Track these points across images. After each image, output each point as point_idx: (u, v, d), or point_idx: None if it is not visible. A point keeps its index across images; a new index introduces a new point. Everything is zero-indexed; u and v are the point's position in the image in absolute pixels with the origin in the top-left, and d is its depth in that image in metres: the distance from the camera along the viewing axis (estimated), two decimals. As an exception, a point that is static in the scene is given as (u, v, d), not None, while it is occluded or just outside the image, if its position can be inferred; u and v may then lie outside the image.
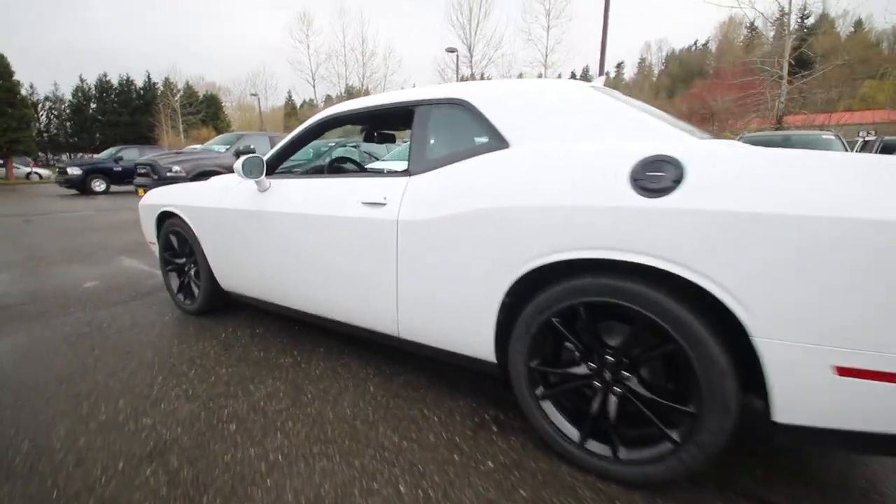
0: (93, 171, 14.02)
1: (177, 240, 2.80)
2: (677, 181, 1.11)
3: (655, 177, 1.14)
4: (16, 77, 21.51)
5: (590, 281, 1.24)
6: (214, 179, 2.64)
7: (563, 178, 1.27)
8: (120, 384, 1.96)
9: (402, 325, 1.72)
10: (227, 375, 2.02)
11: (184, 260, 2.83)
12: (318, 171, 2.47)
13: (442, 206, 1.50)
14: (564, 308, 1.30)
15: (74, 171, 13.91)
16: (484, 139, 1.54)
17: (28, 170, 22.14)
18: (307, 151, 9.37)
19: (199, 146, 11.08)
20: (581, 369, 1.35)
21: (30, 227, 7.02)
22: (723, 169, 1.09)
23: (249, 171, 2.05)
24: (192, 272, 2.80)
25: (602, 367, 1.31)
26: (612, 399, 1.30)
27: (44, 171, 23.50)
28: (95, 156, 16.22)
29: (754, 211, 1.01)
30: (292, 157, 2.32)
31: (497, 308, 1.42)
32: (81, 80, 47.07)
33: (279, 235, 2.07)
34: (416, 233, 1.56)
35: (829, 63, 20.79)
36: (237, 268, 2.39)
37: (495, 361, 1.52)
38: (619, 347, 1.29)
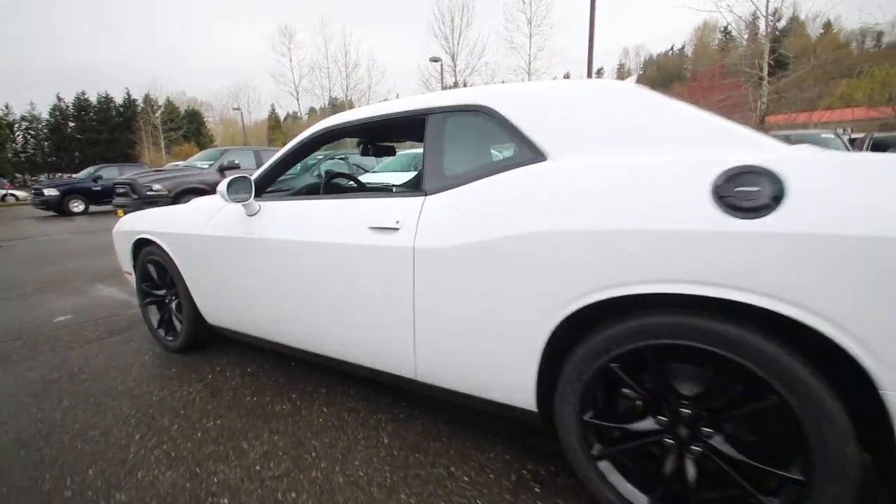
0: (71, 192, 13.55)
1: (155, 270, 2.52)
2: (777, 198, 0.90)
3: (747, 192, 0.92)
4: (-12, 97, 20.85)
5: (664, 320, 1.02)
6: (196, 202, 2.38)
7: (623, 196, 1.05)
8: (91, 447, 1.67)
9: (421, 367, 1.48)
10: (216, 429, 1.75)
11: (164, 292, 2.55)
12: (314, 191, 2.23)
13: (469, 231, 1.27)
14: (628, 351, 1.08)
15: (51, 191, 13.43)
16: (513, 151, 1.32)
17: (3, 192, 21.39)
18: (294, 167, 9.10)
19: (180, 163, 10.71)
20: (648, 423, 1.13)
21: (1, 253, 6.62)
22: (835, 182, 0.88)
23: (236, 194, 1.80)
24: (174, 305, 2.52)
25: (676, 421, 1.09)
26: (689, 459, 1.08)
27: (21, 193, 22.76)
28: (74, 175, 15.68)
29: (888, 236, 0.80)
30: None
31: (540, 350, 1.19)
32: (59, 99, 46.12)
33: (271, 265, 1.81)
34: (438, 262, 1.32)
35: (804, 64, 21.23)
36: (224, 301, 2.13)
37: (536, 411, 1.28)
38: (698, 398, 1.06)
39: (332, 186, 2.28)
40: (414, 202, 1.44)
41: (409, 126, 1.67)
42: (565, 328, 1.15)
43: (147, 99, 45.08)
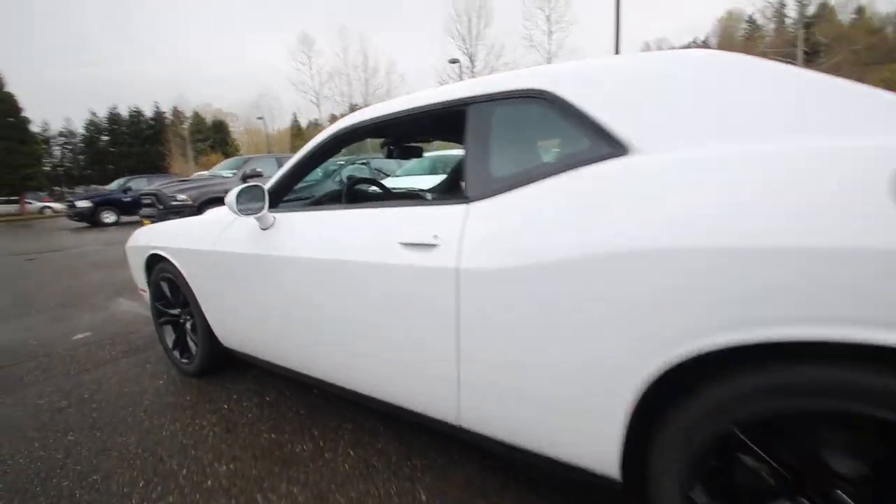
0: (102, 203, 13.91)
1: (169, 287, 2.34)
2: None
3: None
4: (26, 114, 21.78)
5: (822, 375, 0.72)
6: (209, 214, 2.19)
7: (756, 200, 0.77)
8: (89, 496, 1.47)
9: (466, 412, 1.22)
10: (229, 476, 1.52)
11: (178, 311, 2.37)
12: (335, 200, 2.00)
13: (531, 248, 1.00)
14: (758, 413, 0.79)
15: (83, 203, 13.83)
16: (583, 144, 1.05)
17: (41, 204, 22.27)
18: (314, 173, 8.93)
19: (205, 172, 10.79)
20: (786, 510, 0.83)
21: (31, 266, 6.70)
22: None
23: (247, 205, 1.58)
24: (189, 325, 2.33)
25: (829, 509, 0.79)
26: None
27: (57, 205, 23.61)
28: (105, 187, 16.14)
29: None
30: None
31: (631, 403, 0.91)
32: (93, 114, 48.01)
33: (288, 286, 1.59)
34: (490, 287, 1.06)
35: (838, 51, 20.21)
36: (239, 324, 1.91)
37: (620, 480, 1.00)
38: (861, 479, 0.76)
39: (354, 193, 2.05)
40: (455, 212, 1.18)
41: (444, 121, 1.41)
42: (669, 377, 0.87)
43: (175, 112, 46.48)
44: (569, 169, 1.02)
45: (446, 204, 1.22)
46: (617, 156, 0.97)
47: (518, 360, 1.05)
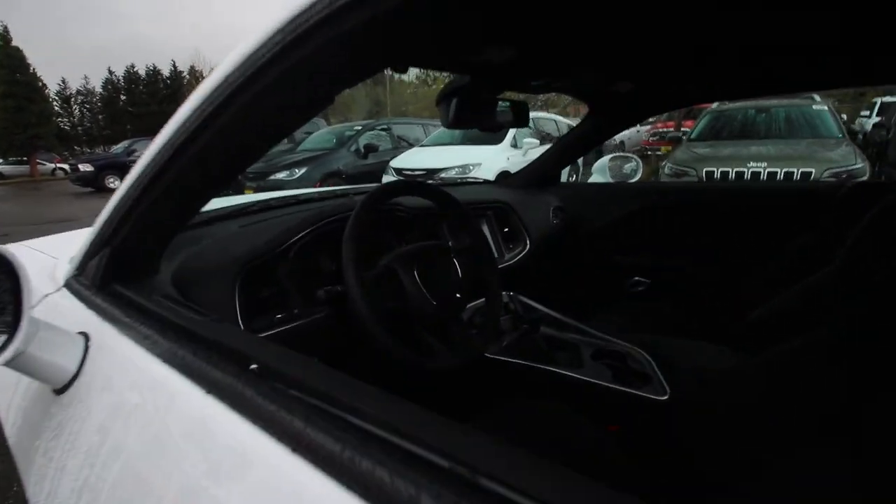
0: (106, 167, 12.99)
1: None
2: None
3: None
4: (38, 72, 20.83)
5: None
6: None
7: None
8: None
9: None
10: None
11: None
12: (303, 259, 0.78)
13: None
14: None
15: (86, 167, 13.01)
16: None
17: (52, 166, 21.58)
18: (324, 138, 7.50)
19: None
20: None
21: (-2, 246, 5.75)
22: None
23: None
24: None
25: None
26: None
27: (68, 167, 23.08)
28: (111, 149, 15.28)
29: None
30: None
31: None
32: (110, 73, 46.99)
33: None
34: None
35: None
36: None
37: None
38: None
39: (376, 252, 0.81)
40: None
41: None
42: None
43: (192, 70, 45.10)
44: None
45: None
46: None
47: None
